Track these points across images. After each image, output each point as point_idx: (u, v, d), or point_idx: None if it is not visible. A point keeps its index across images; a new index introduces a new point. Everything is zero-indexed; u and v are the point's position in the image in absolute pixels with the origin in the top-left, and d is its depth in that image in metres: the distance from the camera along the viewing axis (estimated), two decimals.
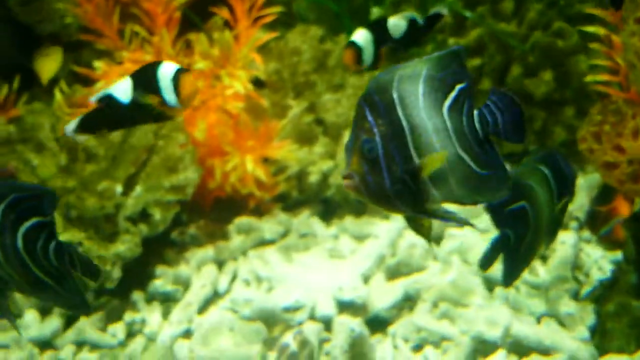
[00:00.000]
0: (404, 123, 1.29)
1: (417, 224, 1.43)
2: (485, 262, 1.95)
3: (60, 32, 2.52)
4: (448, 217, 1.34)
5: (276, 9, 2.22)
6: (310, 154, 2.23)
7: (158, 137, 2.04)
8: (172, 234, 2.18)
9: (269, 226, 2.19)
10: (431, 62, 1.33)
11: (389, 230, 2.16)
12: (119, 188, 1.99)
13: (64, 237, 1.93)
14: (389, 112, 1.29)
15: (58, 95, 2.10)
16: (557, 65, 2.60)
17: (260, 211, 2.26)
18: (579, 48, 2.61)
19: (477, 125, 1.35)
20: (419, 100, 1.31)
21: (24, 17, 2.52)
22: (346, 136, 2.26)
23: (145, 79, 1.63)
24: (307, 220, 2.25)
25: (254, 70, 2.17)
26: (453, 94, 1.33)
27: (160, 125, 2.04)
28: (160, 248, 2.16)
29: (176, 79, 1.57)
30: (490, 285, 2.09)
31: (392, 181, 1.28)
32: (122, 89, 1.65)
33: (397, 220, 2.24)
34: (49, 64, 2.41)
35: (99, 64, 2.20)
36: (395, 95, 1.29)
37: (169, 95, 1.58)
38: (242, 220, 2.20)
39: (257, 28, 2.21)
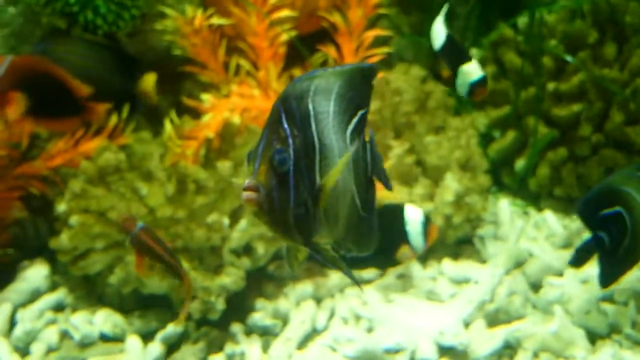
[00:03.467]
0: (316, 140, 1.12)
1: (292, 254, 1.21)
2: (576, 261, 1.94)
3: (165, 62, 2.58)
4: (336, 265, 1.16)
5: (384, 49, 2.23)
6: (410, 195, 2.22)
7: None
8: (270, 267, 2.19)
9: None
10: (343, 77, 1.16)
11: (490, 275, 2.14)
12: (226, 221, 2.01)
13: None
14: (304, 124, 1.12)
15: (168, 126, 2.15)
16: None
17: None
18: None
19: (368, 159, 1.20)
20: (330, 118, 1.14)
21: (131, 48, 2.59)
22: (448, 179, 2.26)
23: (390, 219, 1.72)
24: None
25: None
26: (355, 119, 1.17)
27: None
28: (258, 281, 2.17)
29: (425, 226, 1.69)
30: (593, 337, 2.04)
31: (297, 203, 1.09)
32: None
33: (497, 266, 2.22)
34: (148, 81, 2.44)
35: (206, 97, 2.24)
36: (310, 107, 1.12)
37: (416, 240, 1.66)
38: None
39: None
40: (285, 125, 1.10)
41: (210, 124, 2.12)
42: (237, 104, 2.17)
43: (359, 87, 1.17)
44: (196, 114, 2.22)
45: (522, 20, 2.72)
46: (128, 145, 2.15)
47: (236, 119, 2.12)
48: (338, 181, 1.12)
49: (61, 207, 2.04)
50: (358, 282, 1.17)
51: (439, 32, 1.71)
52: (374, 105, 2.37)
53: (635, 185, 1.91)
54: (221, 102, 2.19)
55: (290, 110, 1.11)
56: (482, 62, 2.68)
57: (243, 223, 2.02)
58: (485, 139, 2.61)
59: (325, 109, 1.13)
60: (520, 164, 2.58)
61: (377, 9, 2.23)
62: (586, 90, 2.57)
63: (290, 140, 1.10)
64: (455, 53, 1.69)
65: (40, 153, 2.29)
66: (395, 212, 1.91)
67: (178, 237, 1.96)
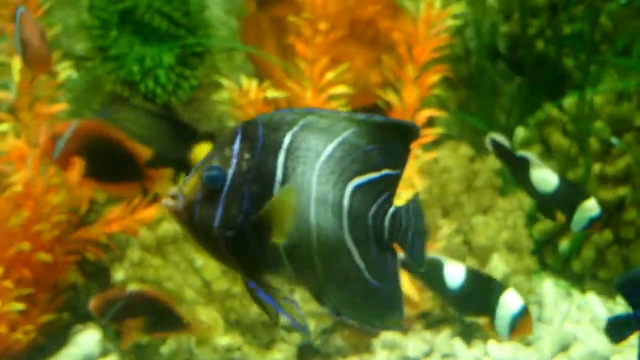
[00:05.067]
0: (278, 174, 1.06)
1: (257, 299, 1.11)
2: (616, 338, 1.91)
3: (218, 131, 2.65)
4: (282, 307, 1.10)
5: (437, 130, 2.28)
6: None
7: None
8: (317, 341, 2.21)
9: (413, 344, 2.20)
10: (363, 127, 1.09)
11: (536, 359, 2.15)
12: None
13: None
14: (267, 154, 1.06)
15: None
16: None
17: (403, 327, 2.28)
18: None
19: (386, 224, 1.11)
20: (318, 160, 1.07)
21: (186, 115, 2.66)
22: (495, 259, 2.29)
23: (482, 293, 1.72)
24: (448, 340, 2.25)
25: (413, 189, 2.23)
26: (373, 176, 1.10)
27: None
28: (305, 354, 2.19)
29: (517, 319, 1.68)
30: None
31: (225, 224, 1.05)
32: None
33: (542, 349, 2.23)
34: (202, 150, 2.51)
35: None
36: (286, 140, 1.07)
37: (502, 326, 1.65)
38: (387, 335, 2.22)
39: (417, 146, 2.27)
40: (235, 147, 1.07)
41: None
42: None
43: (387, 144, 1.11)
44: None
45: (568, 101, 2.76)
46: None
47: None
48: (309, 224, 1.07)
49: (119, 274, 2.09)
50: (307, 332, 1.12)
51: (547, 176, 1.80)
52: (423, 183, 2.41)
53: None
54: None
55: (251, 136, 1.08)
56: (528, 142, 2.73)
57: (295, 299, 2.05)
58: (530, 219, 2.63)
59: (313, 147, 1.08)
60: (564, 244, 2.60)
61: (432, 89, 2.29)
62: (632, 174, 2.60)
63: (234, 161, 1.07)
64: (573, 193, 1.80)
65: (97, 218, 2.35)
66: (492, 289, 1.89)
67: (233, 310, 1.99)
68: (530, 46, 2.88)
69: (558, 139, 2.69)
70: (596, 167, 2.61)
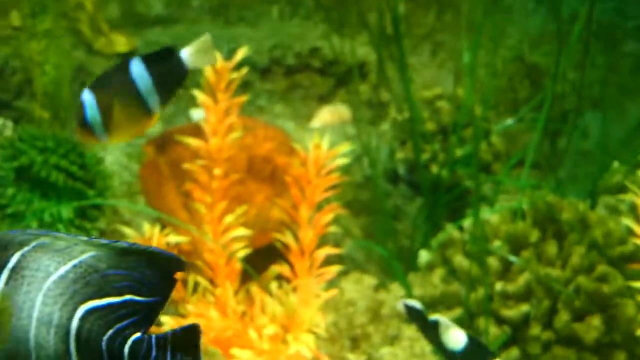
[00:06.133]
0: (3, 292, 1.04)
1: None
2: None
3: None
4: None
5: (335, 268, 2.32)
6: None
7: None
8: None
9: None
10: (104, 252, 1.06)
11: None
12: None
13: None
14: None
15: None
16: (604, 308, 2.66)
17: None
18: (625, 291, 2.67)
19: (126, 351, 1.06)
20: (47, 281, 1.04)
21: None
22: None
23: None
24: None
25: (315, 329, 2.25)
26: (114, 300, 1.07)
27: None
28: None
29: None
30: None
31: None
32: None
33: None
34: None
35: (165, 319, 2.28)
36: (13, 260, 1.05)
37: None
38: None
39: (318, 284, 2.30)
40: None
41: None
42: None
43: (135, 270, 1.07)
44: None
45: (467, 222, 2.86)
46: None
47: None
48: (28, 344, 1.04)
49: None
50: None
51: (456, 336, 1.87)
52: (329, 318, 2.43)
53: None
54: (179, 322, 2.23)
55: None
56: (432, 266, 2.79)
57: None
58: None
59: (44, 268, 1.04)
60: None
61: (328, 227, 2.34)
62: (533, 290, 2.67)
63: None
64: (480, 352, 1.84)
65: None
66: None
67: None
68: (425, 170, 2.99)
69: (460, 260, 2.76)
70: (498, 286, 2.68)
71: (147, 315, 1.09)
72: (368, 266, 2.88)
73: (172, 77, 1.82)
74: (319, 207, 2.33)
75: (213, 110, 2.42)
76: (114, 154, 3.10)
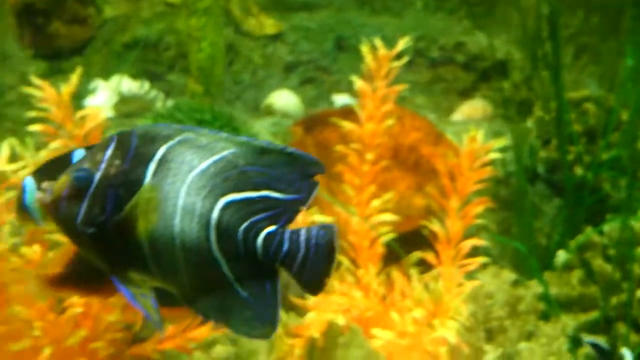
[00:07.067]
0: (146, 182, 1.11)
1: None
2: None
3: None
4: (138, 302, 1.14)
5: (481, 259, 2.35)
6: None
7: None
8: None
9: None
10: (243, 149, 1.12)
11: None
12: None
13: None
14: (137, 163, 1.12)
15: None
16: None
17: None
18: None
19: (259, 242, 1.13)
20: (190, 174, 1.11)
21: None
22: None
23: None
24: None
25: (459, 317, 2.29)
26: (250, 195, 1.12)
27: None
28: None
29: None
30: None
31: (87, 222, 1.12)
32: None
33: None
34: None
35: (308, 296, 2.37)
36: (160, 153, 1.12)
37: None
38: None
39: (460, 273, 2.34)
40: (107, 153, 1.13)
41: (315, 322, 2.24)
42: (340, 304, 2.29)
43: (272, 167, 1.13)
44: (303, 312, 2.34)
45: (609, 226, 2.83)
46: (236, 338, 2.27)
47: (340, 320, 2.24)
48: (172, 230, 1.11)
49: None
50: (161, 328, 1.17)
51: None
52: (468, 308, 2.47)
53: None
54: (324, 301, 2.32)
55: (124, 144, 1.13)
56: (570, 266, 2.78)
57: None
58: (574, 342, 2.66)
59: (187, 162, 1.12)
60: None
61: (475, 219, 2.37)
62: None
63: (103, 166, 1.12)
64: None
65: (150, 335, 2.43)
66: None
67: None
68: (568, 171, 2.97)
69: (600, 263, 2.74)
70: (639, 293, 2.65)
71: (283, 212, 1.14)
72: (501, 261, 2.90)
73: None
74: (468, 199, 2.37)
75: (370, 97, 2.48)
76: (261, 135, 3.22)
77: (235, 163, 1.12)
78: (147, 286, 1.17)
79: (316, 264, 1.15)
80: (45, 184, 1.15)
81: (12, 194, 1.98)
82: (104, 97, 3.14)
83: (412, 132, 2.80)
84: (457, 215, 2.34)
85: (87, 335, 2.28)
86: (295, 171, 1.14)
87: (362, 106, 2.49)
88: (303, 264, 1.14)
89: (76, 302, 2.22)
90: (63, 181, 1.14)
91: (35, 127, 2.17)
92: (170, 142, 1.13)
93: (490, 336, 2.44)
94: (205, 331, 2.32)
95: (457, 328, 2.18)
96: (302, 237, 1.13)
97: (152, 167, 1.12)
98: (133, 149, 1.12)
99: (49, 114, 2.15)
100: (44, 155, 2.18)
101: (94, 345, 2.27)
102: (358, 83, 2.50)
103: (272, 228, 1.14)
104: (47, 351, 2.13)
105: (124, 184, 1.12)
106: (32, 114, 2.16)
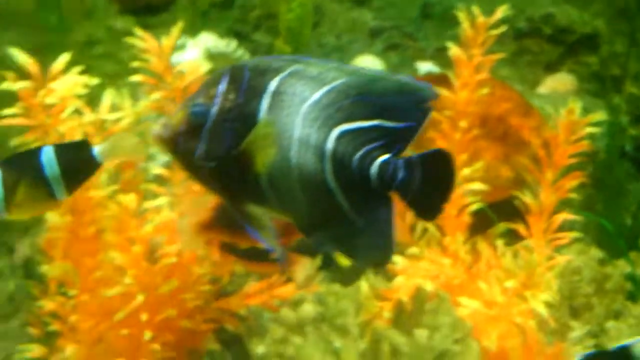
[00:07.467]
0: (261, 115, 1.13)
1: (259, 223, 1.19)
2: None
3: None
4: (259, 233, 1.17)
5: (573, 233, 2.33)
6: None
7: (455, 342, 2.15)
8: None
9: None
10: (354, 78, 1.12)
11: None
12: None
13: None
14: (251, 96, 1.14)
15: (364, 286, 2.29)
16: None
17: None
18: None
19: (372, 171, 1.14)
20: (303, 105, 1.12)
21: None
22: None
23: None
24: None
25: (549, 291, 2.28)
26: (363, 124, 1.13)
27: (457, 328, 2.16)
28: None
29: None
30: None
31: (206, 156, 1.14)
32: None
33: None
34: None
35: (397, 259, 2.38)
36: (272, 85, 1.13)
37: None
38: None
39: (551, 248, 2.32)
40: (220, 87, 1.14)
41: (403, 287, 2.25)
42: (428, 270, 2.30)
43: (383, 96, 1.12)
44: (391, 276, 2.36)
45: None
46: (322, 297, 2.29)
47: (428, 286, 2.24)
48: (289, 162, 1.12)
49: (260, 349, 2.19)
50: (282, 257, 1.21)
51: None
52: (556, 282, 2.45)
53: None
54: (412, 266, 2.33)
55: (237, 78, 1.14)
56: None
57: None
58: None
59: (299, 93, 1.12)
60: None
61: (569, 193, 2.35)
62: None
63: (218, 100, 1.14)
64: None
65: (236, 290, 2.47)
66: None
67: None
68: None
69: None
70: None
71: (397, 140, 1.15)
72: (585, 239, 2.86)
73: (80, 169, 1.89)
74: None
75: (465, 65, 2.45)
76: None
77: (346, 93, 1.13)
78: (267, 218, 1.20)
79: (433, 191, 1.15)
80: (162, 120, 1.18)
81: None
82: (193, 54, 3.16)
83: (502, 103, 2.76)
84: (552, 188, 2.31)
85: (178, 285, 2.33)
86: (407, 99, 1.14)
87: (458, 74, 2.46)
88: (419, 191, 1.14)
89: (170, 252, 2.26)
90: (180, 116, 1.17)
91: (136, 78, 2.20)
92: (282, 74, 1.14)
93: (575, 312, 2.42)
94: (292, 289, 2.35)
95: (547, 302, 2.17)
96: (417, 164, 1.14)
97: (266, 100, 1.14)
98: (246, 82, 1.14)
99: (150, 65, 2.18)
100: (145, 105, 2.21)
101: (184, 296, 2.32)
102: (454, 50, 2.47)
103: (386, 156, 1.15)
104: (140, 298, 2.17)
105: (240, 118, 1.15)
106: (135, 64, 2.18)
